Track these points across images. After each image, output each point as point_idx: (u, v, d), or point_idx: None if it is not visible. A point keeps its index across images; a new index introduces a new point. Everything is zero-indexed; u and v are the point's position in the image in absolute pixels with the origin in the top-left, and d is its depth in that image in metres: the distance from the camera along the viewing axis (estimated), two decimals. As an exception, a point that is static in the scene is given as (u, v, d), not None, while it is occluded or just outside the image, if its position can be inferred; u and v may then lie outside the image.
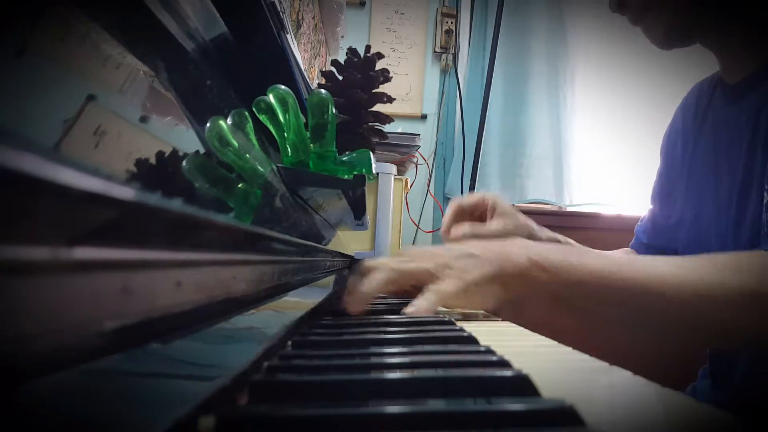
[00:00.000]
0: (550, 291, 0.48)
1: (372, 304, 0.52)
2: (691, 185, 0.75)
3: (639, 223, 0.91)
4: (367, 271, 0.51)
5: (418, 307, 0.47)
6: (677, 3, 0.62)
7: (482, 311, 0.57)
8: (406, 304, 0.49)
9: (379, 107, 0.81)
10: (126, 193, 0.13)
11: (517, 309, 0.52)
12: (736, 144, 0.64)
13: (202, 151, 0.37)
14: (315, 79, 1.64)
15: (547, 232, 0.76)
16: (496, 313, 0.55)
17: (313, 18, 1.62)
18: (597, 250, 0.54)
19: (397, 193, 1.55)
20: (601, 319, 0.51)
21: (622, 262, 0.50)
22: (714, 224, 0.68)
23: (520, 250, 0.50)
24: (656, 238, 0.84)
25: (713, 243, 0.68)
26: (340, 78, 0.79)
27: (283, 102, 0.55)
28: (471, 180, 1.56)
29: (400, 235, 1.62)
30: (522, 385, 0.22)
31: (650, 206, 0.88)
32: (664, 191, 0.83)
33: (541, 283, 0.48)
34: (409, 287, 0.53)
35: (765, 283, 0.45)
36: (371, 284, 0.49)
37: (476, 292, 0.48)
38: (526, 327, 0.49)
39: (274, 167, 0.51)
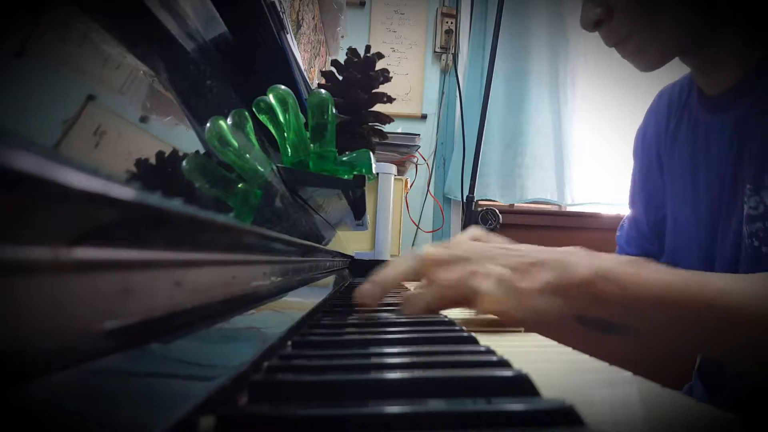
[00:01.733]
0: (617, 307, 0.44)
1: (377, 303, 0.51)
2: (669, 190, 0.72)
3: (618, 233, 0.85)
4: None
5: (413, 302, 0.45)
6: (667, 27, 0.57)
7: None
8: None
9: (379, 107, 0.81)
10: (126, 193, 0.13)
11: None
12: (718, 155, 0.61)
13: (202, 151, 0.37)
14: (315, 79, 1.64)
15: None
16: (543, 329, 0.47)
17: (313, 18, 1.62)
18: (660, 266, 0.48)
19: (397, 193, 1.55)
20: (661, 339, 0.47)
21: (694, 277, 0.45)
22: (695, 234, 0.66)
23: (584, 260, 0.45)
24: (643, 246, 0.80)
25: (695, 253, 0.66)
26: (340, 78, 0.80)
27: (283, 102, 0.55)
28: (471, 180, 1.56)
29: (400, 235, 1.62)
30: (522, 385, 0.22)
31: (629, 212, 0.83)
32: (643, 193, 0.79)
33: (607, 298, 0.43)
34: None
35: None
36: (391, 272, 0.49)
37: (531, 302, 0.44)
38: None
39: (274, 167, 0.51)
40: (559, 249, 0.48)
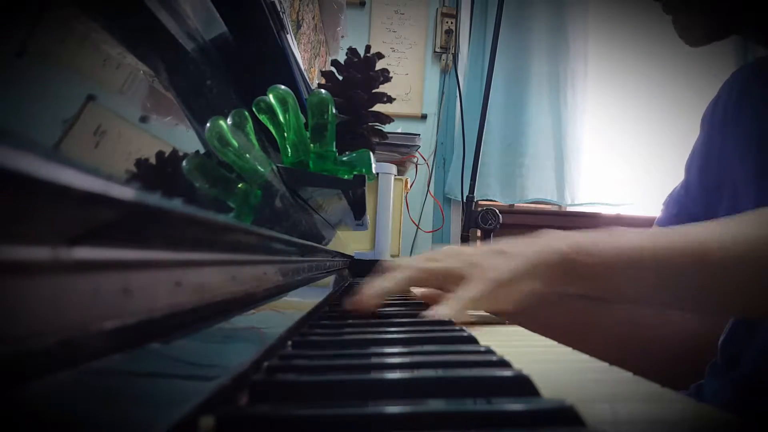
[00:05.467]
0: (594, 276, 0.45)
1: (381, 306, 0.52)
2: (726, 167, 0.73)
3: (668, 197, 0.88)
4: (390, 269, 0.51)
5: (436, 313, 0.44)
6: (697, 17, 0.60)
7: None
8: (410, 305, 0.49)
9: (379, 107, 0.81)
10: (126, 193, 0.13)
11: (546, 310, 0.50)
12: None
13: (202, 151, 0.37)
14: (315, 79, 1.64)
15: None
16: (520, 317, 0.51)
17: (313, 18, 1.62)
18: (623, 229, 0.52)
19: (397, 193, 1.55)
20: (644, 300, 0.48)
21: (676, 232, 0.46)
22: (753, 197, 0.67)
23: (556, 239, 0.47)
24: (687, 204, 0.81)
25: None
26: (340, 78, 0.80)
27: (283, 102, 0.55)
28: (471, 180, 1.56)
29: (400, 235, 1.62)
30: (522, 385, 0.22)
31: (683, 178, 0.85)
32: (702, 159, 0.80)
33: (585, 268, 0.45)
34: (435, 287, 0.52)
35: None
36: (391, 281, 0.48)
37: (505, 292, 0.46)
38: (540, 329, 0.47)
39: (274, 167, 0.51)
40: (532, 237, 0.50)
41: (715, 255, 0.43)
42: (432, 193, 2.30)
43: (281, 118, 0.56)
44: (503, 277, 0.46)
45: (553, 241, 0.47)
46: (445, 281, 0.49)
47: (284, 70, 0.64)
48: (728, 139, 0.75)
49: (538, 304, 0.47)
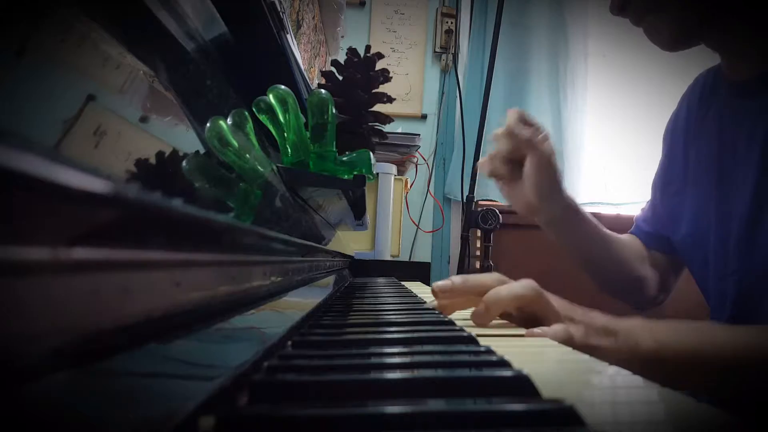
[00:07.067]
0: (681, 373, 0.48)
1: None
2: (690, 178, 0.74)
3: (639, 212, 0.90)
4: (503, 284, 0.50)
5: (546, 333, 0.45)
6: (678, 5, 0.61)
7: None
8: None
9: (379, 107, 0.81)
10: (126, 193, 0.13)
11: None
12: (746, 143, 0.63)
13: (202, 151, 0.37)
14: (315, 79, 1.64)
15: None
16: None
17: (313, 18, 1.61)
18: (696, 322, 0.52)
19: (397, 193, 1.55)
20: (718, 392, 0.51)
21: (753, 339, 0.49)
22: (714, 225, 0.67)
23: (647, 332, 0.48)
24: (657, 227, 0.83)
25: (713, 244, 0.67)
26: (340, 78, 0.79)
27: (283, 102, 0.55)
28: (471, 180, 1.56)
29: (400, 235, 1.62)
30: (522, 386, 0.22)
31: (651, 193, 0.86)
32: (664, 180, 0.81)
33: (673, 366, 0.47)
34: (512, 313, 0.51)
35: None
36: (504, 292, 0.48)
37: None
38: None
39: (274, 167, 0.51)
40: (625, 320, 0.50)
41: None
42: (432, 193, 2.29)
43: (281, 118, 0.56)
44: (599, 344, 0.47)
45: (644, 334, 0.48)
46: (543, 314, 0.48)
47: (284, 70, 0.64)
48: (690, 149, 0.75)
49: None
